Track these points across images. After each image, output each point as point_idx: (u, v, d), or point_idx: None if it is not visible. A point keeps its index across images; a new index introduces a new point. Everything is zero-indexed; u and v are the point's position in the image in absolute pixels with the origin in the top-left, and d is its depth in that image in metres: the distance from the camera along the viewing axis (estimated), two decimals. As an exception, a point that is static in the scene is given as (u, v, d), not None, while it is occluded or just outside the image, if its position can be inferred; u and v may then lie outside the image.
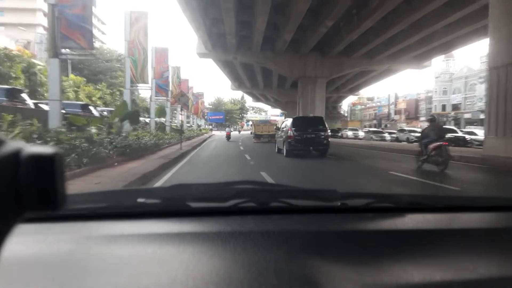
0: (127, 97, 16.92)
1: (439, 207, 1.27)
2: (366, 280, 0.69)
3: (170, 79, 28.47)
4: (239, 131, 72.01)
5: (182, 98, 14.61)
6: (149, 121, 20.50)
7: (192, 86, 41.83)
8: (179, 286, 0.62)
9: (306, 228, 0.99)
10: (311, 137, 12.82)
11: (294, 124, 13.26)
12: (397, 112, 61.96)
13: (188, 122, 47.67)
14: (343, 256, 0.81)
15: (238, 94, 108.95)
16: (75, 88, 29.61)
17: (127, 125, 12.98)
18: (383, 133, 37.34)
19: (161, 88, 24.09)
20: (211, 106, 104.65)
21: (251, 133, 32.94)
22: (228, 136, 30.77)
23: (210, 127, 78.09)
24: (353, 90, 54.59)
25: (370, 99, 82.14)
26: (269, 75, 42.49)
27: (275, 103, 72.16)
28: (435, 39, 27.36)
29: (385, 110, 67.46)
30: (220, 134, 51.79)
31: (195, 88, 49.65)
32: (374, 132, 38.82)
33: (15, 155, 0.33)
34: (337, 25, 24.12)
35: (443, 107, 49.88)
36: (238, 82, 51.32)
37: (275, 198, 1.16)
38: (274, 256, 0.76)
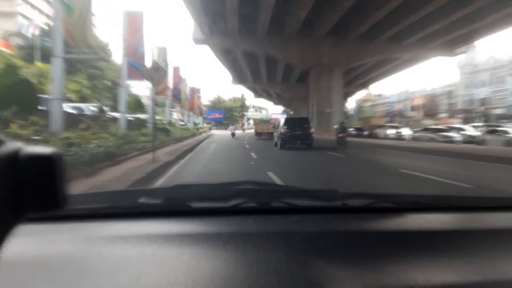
0: (56, 70, 9.37)
1: (440, 208, 1.26)
2: (367, 280, 0.69)
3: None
4: (244, 130, 70.16)
5: (156, 74, 8.48)
6: (120, 116, 14.08)
7: (185, 77, 35.96)
8: (180, 287, 0.62)
9: (307, 229, 0.99)
10: (298, 134, 15.66)
11: (285, 123, 16.30)
12: (414, 108, 57.03)
13: (182, 120, 43.02)
14: (344, 257, 0.80)
15: (239, 92, 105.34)
16: (40, 78, 24.28)
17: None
18: (448, 131, 23.47)
19: (135, 68, 15.46)
20: (209, 104, 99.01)
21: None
22: (233, 134, 33.39)
23: (209, 125, 71.05)
24: (365, 85, 49.72)
25: (379, 96, 75.30)
26: (274, 67, 37.69)
27: (278, 100, 68.13)
28: (476, 20, 22.45)
29: (398, 107, 62.12)
30: (220, 133, 46.62)
31: (191, 83, 44.81)
32: (435, 130, 24.31)
33: (15, 155, 0.33)
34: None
35: (469, 101, 44.98)
36: (239, 75, 46.39)
37: (276, 199, 1.16)
38: (275, 256, 0.76)
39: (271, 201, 1.14)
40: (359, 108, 75.42)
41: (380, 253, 0.83)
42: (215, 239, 0.86)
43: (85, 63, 30.77)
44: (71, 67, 31.61)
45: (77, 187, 4.74)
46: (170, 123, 28.25)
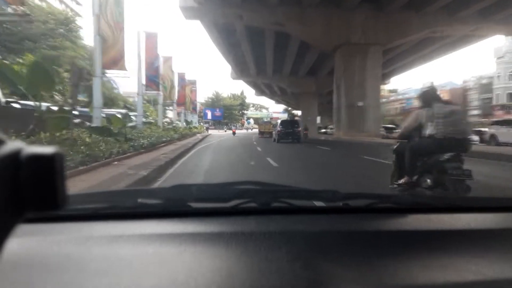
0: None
1: (442, 208, 1.26)
2: (369, 281, 0.69)
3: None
4: (247, 129, 76.10)
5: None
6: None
7: (170, 56, 26.79)
8: (181, 287, 0.62)
9: (308, 229, 0.99)
10: (290, 131, 21.36)
11: (280, 124, 22.43)
12: (437, 105, 50.65)
13: (167, 118, 37.09)
14: (345, 257, 0.81)
15: (237, 88, 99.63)
16: None
17: None
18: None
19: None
20: (207, 101, 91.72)
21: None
22: (234, 133, 38.00)
23: (206, 125, 62.46)
24: (388, 76, 42.72)
25: (393, 91, 69.83)
26: (283, 53, 31.11)
27: (282, 97, 61.95)
28: None
29: (416, 103, 55.95)
30: (218, 134, 40.80)
31: (183, 73, 35.53)
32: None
33: (15, 155, 0.33)
34: None
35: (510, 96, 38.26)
36: (241, 67, 39.65)
37: (277, 199, 1.16)
38: (276, 256, 0.77)
39: (272, 201, 1.14)
40: None
41: (381, 253, 0.83)
42: (216, 239, 0.86)
43: (38, 41, 22.77)
44: (15, 45, 23.03)
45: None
46: (149, 122, 23.34)
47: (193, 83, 44.25)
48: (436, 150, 3.64)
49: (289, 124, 22.11)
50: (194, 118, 44.90)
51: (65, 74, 18.05)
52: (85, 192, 1.72)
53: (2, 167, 0.32)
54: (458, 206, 1.31)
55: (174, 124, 28.97)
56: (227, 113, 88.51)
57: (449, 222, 1.13)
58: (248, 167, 8.44)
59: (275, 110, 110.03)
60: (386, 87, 62.76)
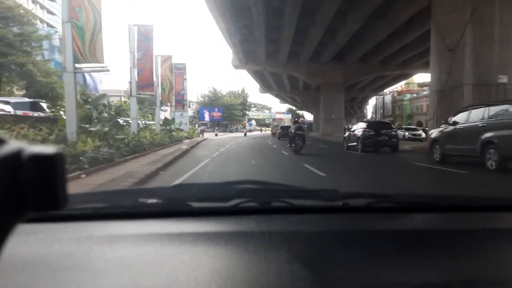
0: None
1: (441, 207, 1.27)
2: (368, 280, 0.69)
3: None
4: (261, 131, 76.07)
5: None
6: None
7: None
8: (181, 287, 0.62)
9: (308, 228, 0.99)
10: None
11: (280, 128, 28.33)
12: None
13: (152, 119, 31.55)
14: (345, 256, 0.81)
15: (238, 84, 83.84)
16: None
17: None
18: None
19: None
20: (204, 99, 79.09)
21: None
22: (245, 134, 44.00)
23: (202, 127, 52.53)
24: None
25: (423, 85, 57.08)
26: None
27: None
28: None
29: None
30: (219, 139, 31.55)
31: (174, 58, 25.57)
32: None
33: (17, 155, 0.33)
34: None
35: None
36: (247, 47, 33.48)
37: (277, 198, 1.16)
38: (276, 255, 0.77)
39: (272, 201, 1.14)
40: (394, 103, 60.90)
41: (381, 252, 0.84)
42: (216, 238, 0.86)
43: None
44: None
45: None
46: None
47: (181, 68, 30.92)
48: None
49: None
50: (183, 118, 32.29)
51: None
52: (86, 192, 1.69)
53: (3, 167, 0.31)
54: (457, 206, 1.29)
55: (143, 126, 23.70)
56: (227, 113, 76.96)
57: (448, 222, 1.14)
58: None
59: (278, 110, 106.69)
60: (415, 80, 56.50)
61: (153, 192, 1.38)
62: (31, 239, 0.83)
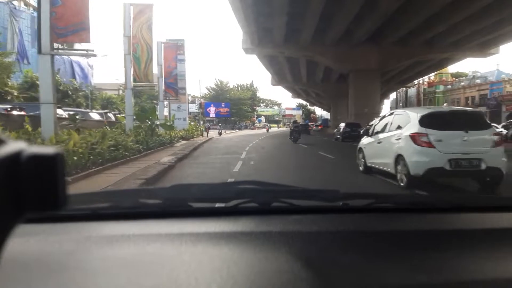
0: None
1: (441, 208, 1.26)
2: (368, 280, 0.69)
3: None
4: (279, 127, 75.34)
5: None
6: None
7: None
8: (181, 287, 0.62)
9: (308, 229, 0.99)
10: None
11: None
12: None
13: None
14: (345, 256, 0.81)
15: (247, 77, 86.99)
16: None
17: None
18: None
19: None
20: (210, 92, 72.15)
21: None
22: (268, 130, 44.58)
23: (207, 124, 43.18)
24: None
25: (460, 75, 52.31)
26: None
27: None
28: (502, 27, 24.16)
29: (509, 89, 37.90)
30: (228, 140, 25.70)
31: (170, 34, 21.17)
32: None
33: (16, 156, 0.33)
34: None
35: None
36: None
37: (276, 198, 1.16)
38: (276, 256, 0.77)
39: (272, 201, 1.15)
40: (427, 95, 53.55)
41: (380, 253, 0.84)
42: (216, 238, 0.86)
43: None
44: None
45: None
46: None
47: (180, 45, 26.25)
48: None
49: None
50: (180, 112, 28.08)
51: None
52: (85, 192, 1.72)
53: (3, 167, 0.31)
54: (457, 206, 1.29)
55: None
56: (235, 109, 69.54)
57: (448, 222, 1.14)
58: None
59: (288, 106, 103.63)
60: (449, 70, 50.94)
61: (152, 193, 1.43)
62: (31, 240, 0.84)
